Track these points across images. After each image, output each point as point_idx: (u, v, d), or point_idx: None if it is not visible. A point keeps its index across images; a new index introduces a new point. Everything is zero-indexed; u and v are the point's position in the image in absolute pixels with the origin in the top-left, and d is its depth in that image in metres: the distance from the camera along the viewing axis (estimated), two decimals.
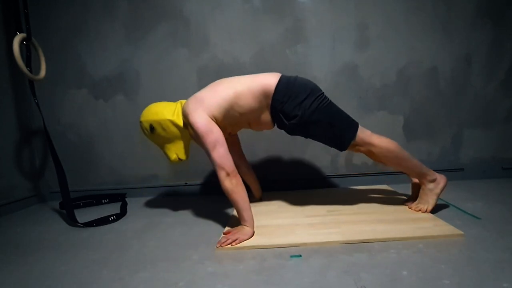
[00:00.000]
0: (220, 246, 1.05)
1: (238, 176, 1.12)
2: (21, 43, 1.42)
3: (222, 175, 1.09)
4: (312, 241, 1.04)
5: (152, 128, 1.27)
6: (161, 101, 1.78)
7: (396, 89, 1.75)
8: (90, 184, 1.89)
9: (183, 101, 1.29)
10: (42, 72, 1.53)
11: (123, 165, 1.86)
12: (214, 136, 1.12)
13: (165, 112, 1.26)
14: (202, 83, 1.77)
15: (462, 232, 1.03)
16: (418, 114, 1.76)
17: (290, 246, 1.03)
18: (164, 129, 1.26)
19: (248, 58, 1.75)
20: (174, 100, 1.78)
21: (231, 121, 1.23)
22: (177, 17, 1.74)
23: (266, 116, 1.24)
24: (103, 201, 1.75)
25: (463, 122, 1.77)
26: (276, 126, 1.29)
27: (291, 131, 1.24)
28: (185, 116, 1.21)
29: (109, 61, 1.79)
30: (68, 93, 1.83)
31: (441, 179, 1.24)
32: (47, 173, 1.90)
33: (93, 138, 1.85)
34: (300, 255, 0.96)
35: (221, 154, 1.11)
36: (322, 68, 1.74)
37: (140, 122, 1.31)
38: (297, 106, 1.17)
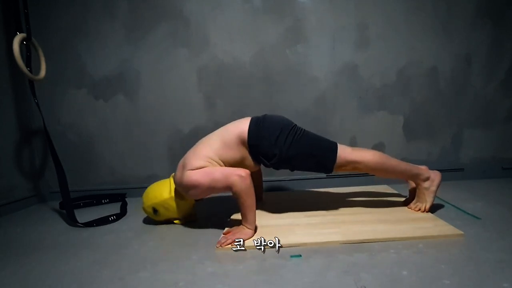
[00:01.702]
0: (220, 246, 1.05)
1: (250, 177, 1.11)
2: (21, 43, 1.42)
3: (234, 179, 1.08)
4: (312, 241, 1.04)
5: (155, 210, 1.31)
6: (161, 101, 1.80)
7: (396, 89, 1.75)
8: (90, 184, 1.89)
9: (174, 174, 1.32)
10: (42, 72, 1.53)
11: (123, 165, 1.86)
12: (206, 174, 1.13)
13: (163, 192, 1.30)
14: (202, 83, 1.78)
15: (462, 232, 1.03)
16: (418, 114, 1.76)
17: (290, 246, 1.03)
18: (166, 208, 1.30)
19: (248, 58, 1.75)
20: (174, 99, 1.79)
21: None
22: (177, 17, 1.74)
23: (249, 161, 1.25)
24: (103, 201, 1.75)
25: (463, 122, 1.77)
26: (261, 169, 1.29)
27: (275, 168, 1.25)
28: (179, 186, 1.22)
29: (109, 61, 1.79)
30: (68, 93, 1.83)
31: (435, 176, 1.24)
32: (47, 173, 1.90)
33: (93, 138, 1.85)
34: (300, 255, 0.96)
35: (221, 172, 1.12)
36: (322, 68, 1.74)
37: (143, 208, 1.34)
38: (273, 145, 1.18)
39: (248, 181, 1.09)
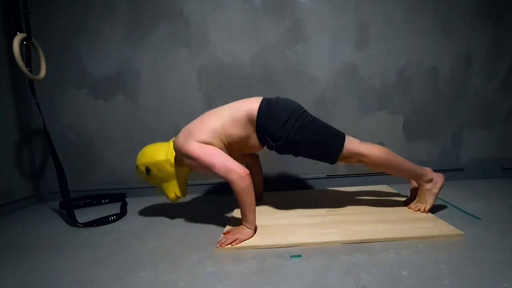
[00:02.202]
0: (220, 246, 1.05)
1: (250, 177, 1.10)
2: (21, 43, 1.42)
3: (233, 176, 1.07)
4: (312, 241, 1.04)
5: (148, 170, 1.30)
6: (160, 101, 1.80)
7: (396, 89, 1.75)
8: (90, 184, 1.89)
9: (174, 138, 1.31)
10: (42, 72, 1.53)
11: (123, 165, 1.86)
12: (209, 154, 1.13)
13: (159, 153, 1.29)
14: (202, 83, 1.78)
15: (462, 232, 1.03)
16: (418, 114, 1.76)
17: (290, 246, 1.03)
18: (160, 170, 1.29)
19: (248, 58, 1.75)
20: (174, 99, 1.79)
21: (223, 149, 1.23)
22: (177, 17, 1.74)
23: (254, 141, 1.25)
24: (103, 201, 1.75)
25: (463, 122, 1.77)
26: (266, 147, 1.29)
27: (280, 151, 1.24)
28: (177, 151, 1.21)
29: (109, 61, 1.79)
30: (68, 93, 1.83)
31: (438, 178, 1.24)
32: (47, 173, 1.90)
33: (93, 138, 1.85)
34: (300, 255, 0.96)
35: (222, 163, 1.10)
36: (322, 68, 1.74)
37: (136, 166, 1.34)
38: (280, 128, 1.18)
39: (247, 181, 1.08)
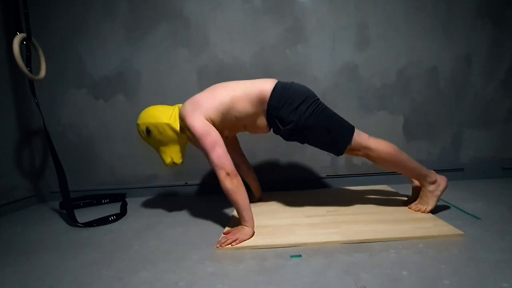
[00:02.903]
0: (220, 246, 1.05)
1: (238, 176, 1.12)
2: (21, 43, 1.42)
3: (222, 175, 1.09)
4: (312, 241, 1.04)
5: (148, 131, 1.28)
6: (160, 101, 1.79)
7: (396, 89, 1.75)
8: (90, 184, 1.89)
9: (180, 105, 1.29)
10: (42, 72, 1.53)
11: (123, 165, 1.86)
12: (211, 138, 1.12)
13: (162, 115, 1.28)
14: (202, 83, 1.77)
15: (462, 232, 1.03)
16: (418, 114, 1.76)
17: (290, 246, 1.03)
18: (160, 132, 1.27)
19: (248, 58, 1.75)
20: (174, 100, 1.79)
21: (227, 124, 1.23)
22: (177, 17, 1.74)
23: (262, 121, 1.24)
24: (103, 201, 1.75)
25: (463, 122, 1.77)
26: (272, 131, 1.29)
27: (287, 136, 1.24)
28: (182, 119, 1.21)
29: (109, 61, 1.79)
30: (68, 93, 1.83)
31: (441, 181, 1.24)
32: (47, 173, 1.90)
33: (93, 138, 1.85)
34: (300, 255, 0.96)
35: (219, 154, 1.11)
36: (322, 68, 1.74)
37: (137, 124, 1.32)
38: (292, 112, 1.17)
39: (234, 181, 1.09)
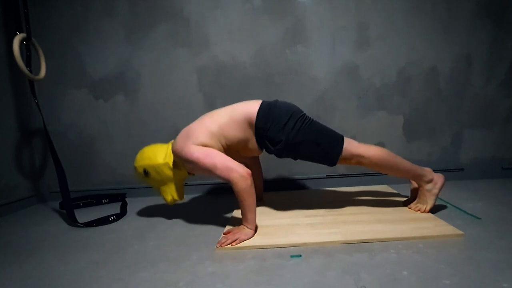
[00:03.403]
0: (220, 246, 1.05)
1: (251, 177, 1.10)
2: (21, 43, 1.42)
3: (234, 176, 1.07)
4: (312, 241, 1.04)
5: (146, 172, 1.30)
6: (160, 101, 1.80)
7: (396, 89, 1.75)
8: (90, 184, 1.89)
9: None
10: (42, 72, 1.53)
11: (123, 165, 1.86)
12: (209, 156, 1.12)
13: (158, 156, 1.29)
14: (202, 83, 1.78)
15: (462, 232, 1.03)
16: (418, 114, 1.76)
17: (290, 246, 1.03)
18: (158, 172, 1.29)
19: (248, 58, 1.75)
20: (174, 99, 1.79)
21: (221, 151, 1.23)
22: (177, 17, 1.74)
23: (253, 144, 1.24)
24: (103, 201, 1.75)
25: (463, 122, 1.77)
26: (264, 151, 1.29)
27: (279, 155, 1.24)
28: (176, 155, 1.21)
29: (109, 61, 1.79)
30: (68, 93, 1.83)
31: (438, 179, 1.24)
32: (47, 173, 1.90)
33: (93, 138, 1.85)
34: (300, 255, 0.96)
35: (223, 162, 1.10)
36: (322, 68, 1.74)
37: (134, 167, 1.33)
38: (280, 131, 1.17)
39: (249, 181, 1.08)
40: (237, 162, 1.11)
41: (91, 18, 1.77)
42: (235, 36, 1.74)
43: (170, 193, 1.35)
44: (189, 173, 1.33)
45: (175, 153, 1.21)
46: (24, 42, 1.47)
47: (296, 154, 1.23)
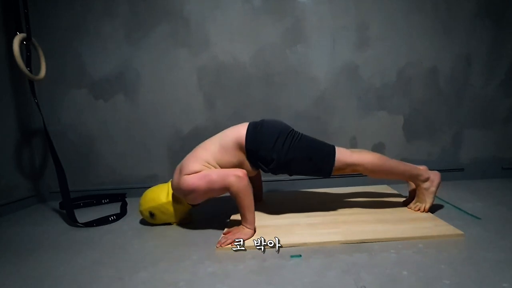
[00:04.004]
0: (220, 246, 1.05)
1: (247, 177, 1.11)
2: (21, 43, 1.42)
3: (231, 179, 1.08)
4: (312, 241, 1.04)
5: (151, 214, 1.31)
6: (160, 101, 1.80)
7: (396, 89, 1.75)
8: (90, 184, 1.89)
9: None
10: (42, 72, 1.53)
11: (123, 165, 1.86)
12: (203, 176, 1.13)
13: (160, 196, 1.30)
14: (202, 83, 1.78)
15: (462, 232, 1.03)
16: (418, 114, 1.76)
17: (290, 246, 1.03)
18: (163, 212, 1.30)
19: (248, 58, 1.75)
20: (174, 99, 1.79)
21: None
22: (177, 17, 1.74)
23: (247, 166, 1.24)
24: (103, 201, 1.75)
25: (463, 122, 1.77)
26: (260, 170, 1.29)
27: (274, 172, 1.24)
28: (176, 191, 1.23)
29: (109, 61, 1.79)
30: (68, 93, 1.83)
31: (434, 177, 1.24)
32: (47, 173, 1.90)
33: (93, 138, 1.85)
34: (300, 255, 0.96)
35: (217, 173, 1.12)
36: (322, 68, 1.74)
37: (140, 211, 1.34)
38: (270, 150, 1.18)
39: (245, 181, 1.09)
40: (231, 168, 1.12)
41: (91, 18, 1.77)
42: (235, 36, 1.74)
43: (179, 220, 1.36)
44: (192, 206, 1.33)
45: (175, 190, 1.23)
46: (24, 42, 1.48)
47: (290, 170, 1.24)
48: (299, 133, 1.25)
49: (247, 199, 1.09)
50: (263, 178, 1.60)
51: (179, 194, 1.23)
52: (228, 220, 1.32)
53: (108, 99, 1.82)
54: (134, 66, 1.79)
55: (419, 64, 1.73)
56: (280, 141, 1.18)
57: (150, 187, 1.86)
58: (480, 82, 1.74)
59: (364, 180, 1.78)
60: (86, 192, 1.86)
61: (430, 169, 1.26)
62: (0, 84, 1.69)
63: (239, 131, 1.22)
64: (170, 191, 1.30)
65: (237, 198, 1.09)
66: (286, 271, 0.87)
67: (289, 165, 1.20)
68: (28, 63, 1.49)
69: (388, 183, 1.75)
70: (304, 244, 1.03)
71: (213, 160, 1.19)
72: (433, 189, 1.23)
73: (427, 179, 1.23)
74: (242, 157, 1.22)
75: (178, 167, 1.23)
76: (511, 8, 1.68)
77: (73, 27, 1.77)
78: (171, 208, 1.29)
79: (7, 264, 1.05)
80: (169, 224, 1.34)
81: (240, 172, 1.09)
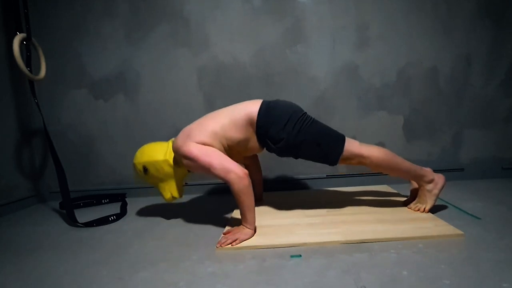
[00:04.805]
0: (220, 246, 1.05)
1: (248, 177, 1.10)
2: (21, 43, 1.42)
3: (232, 177, 1.08)
4: (312, 241, 1.04)
5: (145, 169, 1.30)
6: (160, 101, 1.80)
7: (396, 89, 1.75)
8: (90, 184, 1.89)
9: (173, 139, 1.31)
10: (42, 72, 1.53)
11: (123, 165, 1.86)
12: (207, 154, 1.12)
13: (158, 153, 1.29)
14: (202, 83, 1.78)
15: (462, 232, 1.03)
16: (418, 114, 1.76)
17: (290, 246, 1.03)
18: (157, 169, 1.29)
19: (248, 58, 1.75)
20: (174, 99, 1.79)
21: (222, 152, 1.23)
22: (177, 17, 1.74)
23: (254, 143, 1.24)
24: (103, 201, 1.75)
25: (463, 122, 1.77)
26: (266, 149, 1.29)
27: (280, 153, 1.24)
28: (176, 152, 1.22)
29: (109, 61, 1.79)
30: (68, 93, 1.83)
31: (439, 179, 1.24)
32: (47, 173, 1.90)
33: (93, 138, 1.85)
34: (300, 255, 0.96)
35: (221, 163, 1.10)
36: (322, 68, 1.74)
37: (133, 164, 1.33)
38: (280, 130, 1.18)
39: (246, 181, 1.08)
40: (235, 163, 1.11)
41: (91, 18, 1.77)
42: (235, 36, 1.74)
43: (169, 191, 1.34)
44: (188, 171, 1.33)
45: (175, 150, 1.22)
46: (24, 42, 1.47)
47: (296, 153, 1.23)
48: (311, 117, 1.24)
49: (248, 199, 1.09)
50: (263, 178, 1.60)
51: (177, 155, 1.22)
52: (229, 220, 1.32)
53: (108, 99, 1.82)
54: (134, 66, 1.79)
55: (419, 64, 1.73)
56: (292, 122, 1.18)
57: (150, 187, 1.87)
58: (480, 82, 1.74)
59: (364, 180, 1.79)
60: (86, 192, 1.86)
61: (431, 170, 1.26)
62: (0, 84, 1.69)
63: (252, 107, 1.21)
64: (169, 151, 1.28)
65: (237, 198, 1.09)
66: (286, 271, 0.87)
67: (297, 147, 1.20)
68: (28, 63, 1.49)
69: (388, 183, 1.75)
70: (304, 244, 1.03)
71: (222, 133, 1.19)
72: (436, 191, 1.23)
73: (431, 181, 1.23)
74: (251, 133, 1.21)
75: (185, 130, 1.22)
76: (511, 8, 1.68)
77: (73, 27, 1.78)
78: (166, 168, 1.27)
79: (7, 264, 1.05)
80: (171, 224, 1.33)
81: (241, 172, 1.08)
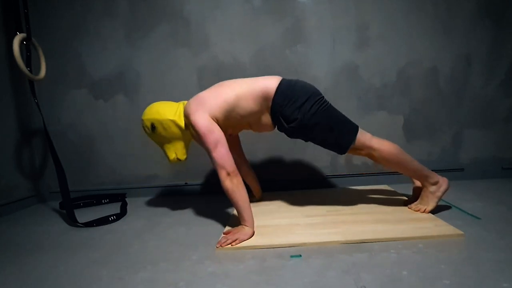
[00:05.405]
0: (220, 246, 1.05)
1: (239, 176, 1.12)
2: (21, 43, 1.42)
3: (223, 174, 1.10)
4: (312, 241, 1.04)
5: (153, 127, 1.28)
6: (161, 101, 1.80)
7: (396, 89, 1.75)
8: (90, 184, 1.89)
9: (185, 102, 1.30)
10: (42, 72, 1.53)
11: (123, 165, 1.86)
12: (215, 136, 1.13)
13: (167, 112, 1.27)
14: (202, 83, 1.78)
15: (462, 232, 1.03)
16: (418, 114, 1.76)
17: (290, 246, 1.03)
18: (165, 128, 1.27)
19: (248, 58, 1.75)
20: (174, 99, 1.79)
21: (232, 122, 1.24)
22: (177, 17, 1.74)
23: (267, 119, 1.24)
24: (103, 201, 1.75)
25: (463, 122, 1.77)
26: (276, 128, 1.29)
27: (291, 134, 1.24)
28: (186, 117, 1.22)
29: (109, 61, 1.79)
30: (68, 93, 1.83)
31: (443, 182, 1.24)
32: (47, 173, 1.90)
33: (93, 138, 1.85)
34: (300, 255, 0.96)
35: (222, 154, 1.11)
36: (322, 68, 1.74)
37: (142, 120, 1.31)
38: (296, 110, 1.17)
39: (235, 181, 1.10)
40: (231, 159, 1.12)
41: (91, 18, 1.77)
42: (235, 36, 1.74)
43: (174, 151, 1.32)
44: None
45: (186, 115, 1.22)
46: (24, 42, 1.47)
47: (308, 135, 1.23)
48: (328, 102, 1.23)
49: (240, 198, 1.10)
50: (263, 178, 1.60)
51: (186, 120, 1.22)
52: (231, 216, 1.32)
53: (108, 99, 1.82)
54: (134, 66, 1.79)
55: (419, 64, 1.73)
56: (309, 103, 1.17)
57: (150, 187, 1.88)
58: (480, 82, 1.74)
59: (364, 180, 1.79)
60: (86, 192, 1.86)
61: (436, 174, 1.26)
62: (0, 84, 1.69)
63: (272, 82, 1.21)
64: (179, 112, 1.27)
65: (229, 197, 1.11)
66: (286, 271, 0.87)
67: (310, 129, 1.19)
68: (28, 63, 1.49)
69: (388, 183, 1.75)
70: (304, 244, 1.03)
71: (236, 102, 1.19)
72: (438, 194, 1.23)
73: (435, 183, 1.23)
74: (265, 108, 1.22)
75: (200, 95, 1.22)
76: (511, 8, 1.68)
77: (73, 27, 1.78)
78: (173, 128, 1.26)
79: (7, 264, 1.05)
80: (171, 224, 1.33)
81: (231, 170, 1.09)
